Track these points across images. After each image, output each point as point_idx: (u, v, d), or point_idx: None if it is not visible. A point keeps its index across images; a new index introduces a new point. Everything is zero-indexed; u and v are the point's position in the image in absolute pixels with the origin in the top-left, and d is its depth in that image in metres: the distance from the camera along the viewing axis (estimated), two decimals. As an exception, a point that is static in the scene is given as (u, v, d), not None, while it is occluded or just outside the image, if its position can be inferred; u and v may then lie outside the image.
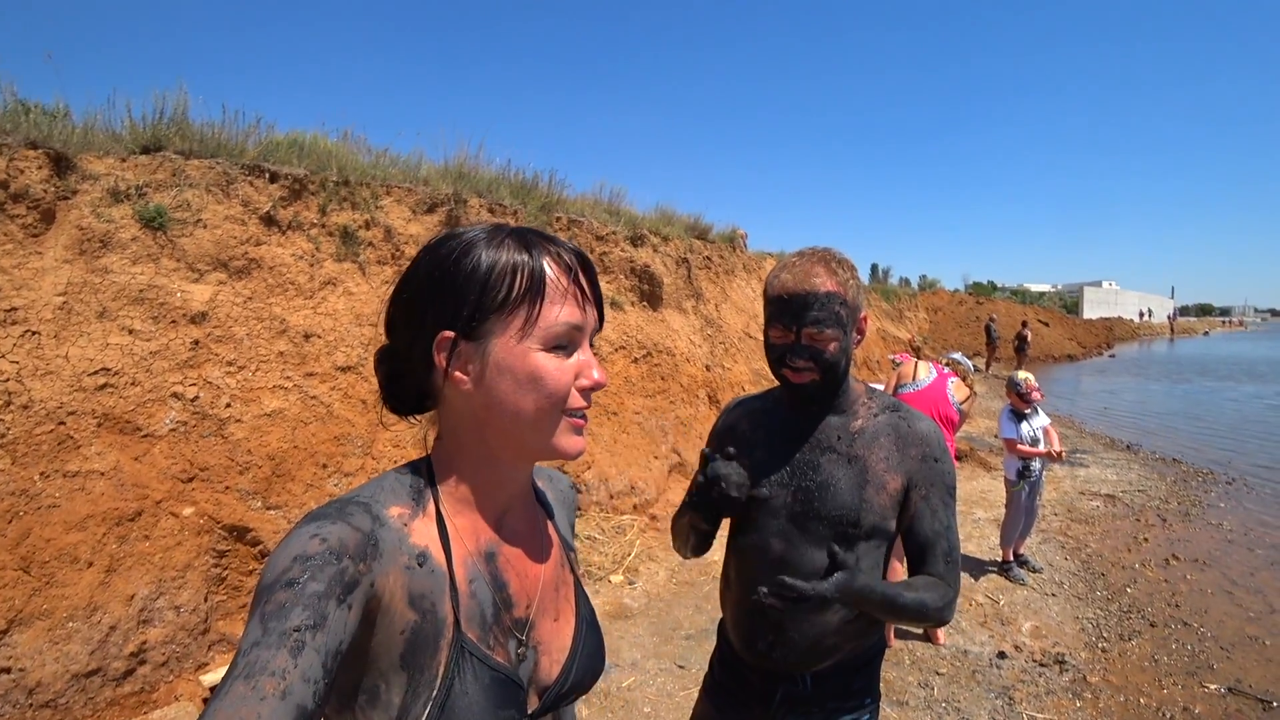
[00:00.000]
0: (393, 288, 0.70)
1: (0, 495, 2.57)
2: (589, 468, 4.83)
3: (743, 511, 1.25)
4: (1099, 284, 56.39)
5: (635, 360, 5.86)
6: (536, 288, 0.65)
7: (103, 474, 2.81)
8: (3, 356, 2.77)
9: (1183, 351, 30.00)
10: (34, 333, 2.88)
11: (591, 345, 0.71)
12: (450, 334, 0.65)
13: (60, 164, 3.24)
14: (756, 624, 1.25)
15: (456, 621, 0.65)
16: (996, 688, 3.03)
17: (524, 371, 0.65)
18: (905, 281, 26.31)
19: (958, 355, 4.16)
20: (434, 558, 0.65)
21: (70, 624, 2.54)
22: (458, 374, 0.66)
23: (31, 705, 2.40)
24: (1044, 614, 3.79)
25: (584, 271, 0.70)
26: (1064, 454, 4.44)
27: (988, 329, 17.99)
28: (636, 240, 6.66)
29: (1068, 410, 11.70)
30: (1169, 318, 55.15)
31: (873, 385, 1.37)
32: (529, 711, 0.73)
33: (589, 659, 0.81)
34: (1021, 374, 4.30)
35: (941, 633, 3.44)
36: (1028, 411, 4.23)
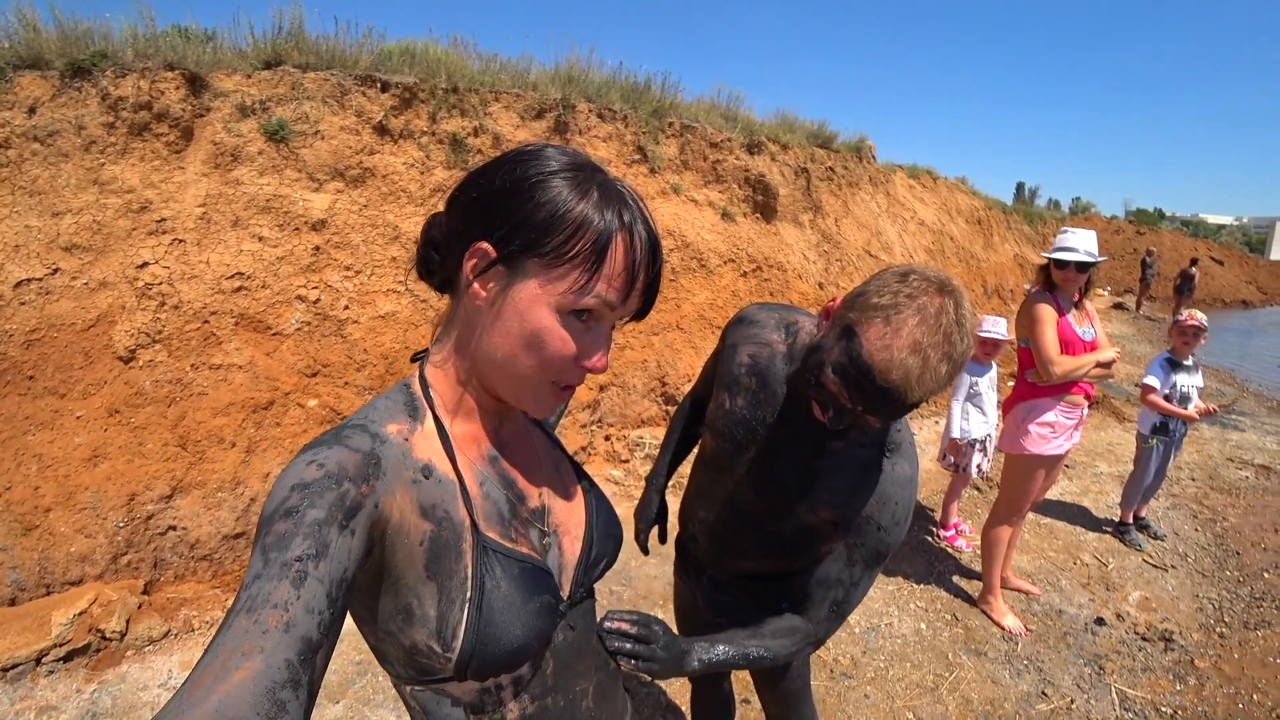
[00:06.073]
0: (475, 172, 0.66)
1: (161, 383, 2.96)
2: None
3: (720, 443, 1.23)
4: (1299, 216, 47.57)
5: (744, 274, 5.65)
6: (595, 256, 0.62)
7: (241, 367, 3.15)
8: (157, 263, 3.11)
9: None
10: (180, 240, 3.19)
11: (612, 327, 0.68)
12: (489, 248, 0.63)
13: (195, 84, 3.46)
14: (690, 519, 1.38)
15: (474, 524, 0.65)
16: (1088, 654, 2.87)
17: (531, 325, 0.63)
18: (1054, 204, 23.55)
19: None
20: (439, 468, 0.65)
21: (219, 494, 2.95)
22: (477, 287, 0.64)
23: (193, 557, 2.86)
24: (1157, 585, 3.49)
25: (650, 265, 0.66)
26: (1216, 409, 3.83)
27: (1143, 263, 15.84)
28: (753, 148, 6.26)
29: (1231, 364, 10.30)
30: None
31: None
32: (566, 596, 0.75)
33: (606, 525, 0.83)
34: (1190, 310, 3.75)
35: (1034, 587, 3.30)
36: (1187, 363, 3.70)
